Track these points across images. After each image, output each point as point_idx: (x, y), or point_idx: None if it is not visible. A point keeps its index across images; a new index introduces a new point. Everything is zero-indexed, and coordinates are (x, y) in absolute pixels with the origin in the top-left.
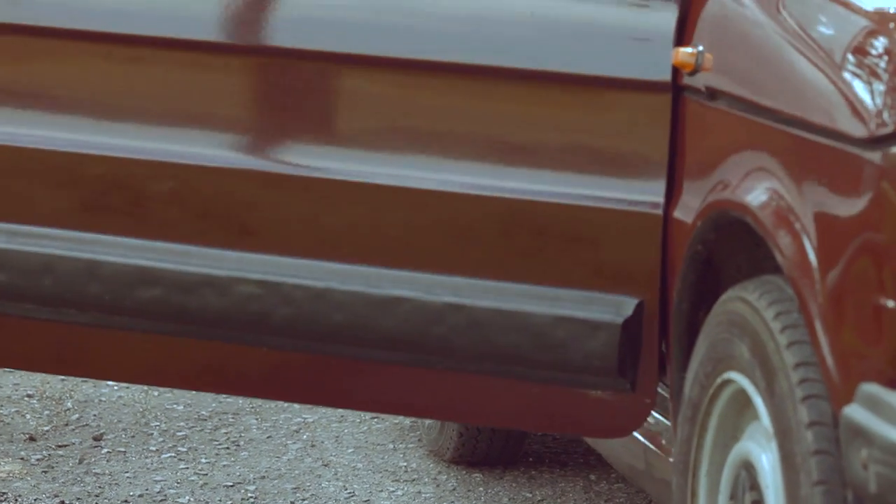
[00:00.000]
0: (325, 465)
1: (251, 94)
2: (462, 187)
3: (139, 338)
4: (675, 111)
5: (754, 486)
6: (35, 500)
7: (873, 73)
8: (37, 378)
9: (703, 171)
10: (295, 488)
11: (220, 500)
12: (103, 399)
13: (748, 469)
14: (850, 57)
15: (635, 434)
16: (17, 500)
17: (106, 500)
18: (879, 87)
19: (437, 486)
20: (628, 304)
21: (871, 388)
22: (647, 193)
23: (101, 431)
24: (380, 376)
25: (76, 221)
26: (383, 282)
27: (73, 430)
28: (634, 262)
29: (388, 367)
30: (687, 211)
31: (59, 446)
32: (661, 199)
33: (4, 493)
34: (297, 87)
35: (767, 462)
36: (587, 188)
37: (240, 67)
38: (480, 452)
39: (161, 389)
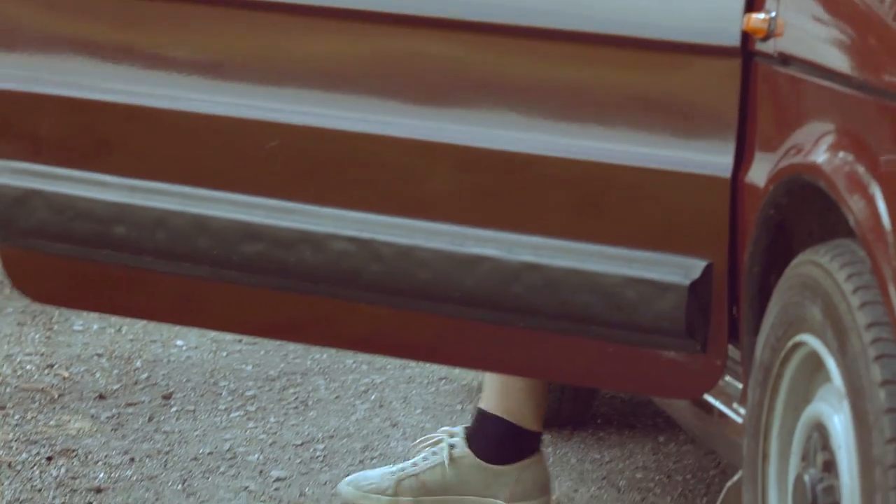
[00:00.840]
0: (394, 426)
1: (350, 57)
2: (540, 149)
3: (245, 291)
4: (745, 77)
5: (826, 447)
6: (105, 456)
7: None
8: (105, 338)
9: (775, 136)
10: (363, 447)
11: (288, 459)
12: (172, 359)
13: (820, 430)
14: None
15: (706, 396)
16: (87, 456)
17: (175, 458)
18: None
19: None
20: (697, 267)
21: None
22: (717, 157)
23: (171, 390)
24: (462, 333)
25: (188, 177)
26: (466, 240)
27: (143, 388)
28: (703, 224)
29: (470, 324)
30: (758, 175)
31: (129, 405)
32: (730, 163)
33: (75, 450)
34: (394, 53)
35: (839, 423)
36: (659, 151)
37: (340, 29)
38: (549, 414)
39: (230, 350)
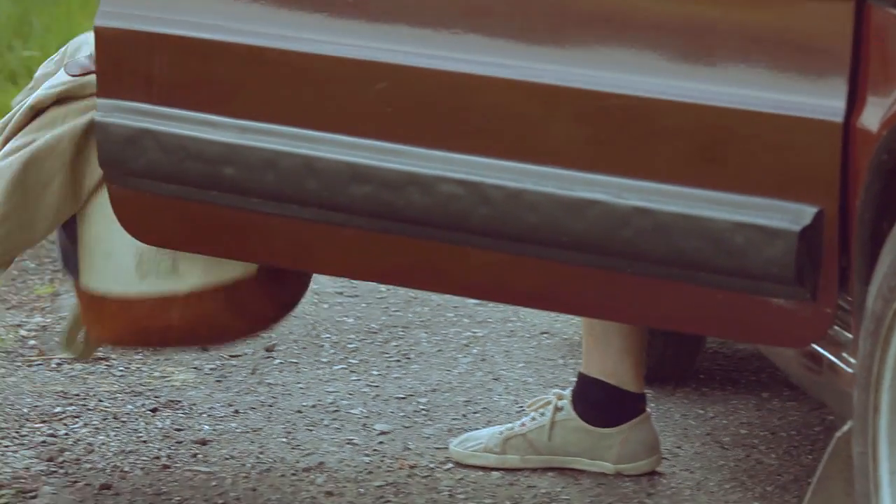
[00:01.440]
0: (496, 379)
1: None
2: (654, 92)
3: (352, 234)
4: (858, 19)
5: None
6: (209, 408)
7: None
8: None
9: (888, 80)
10: (466, 401)
11: (391, 412)
12: None
13: None
14: None
15: (815, 345)
16: (191, 408)
17: (279, 410)
18: None
19: None
20: (807, 213)
21: None
22: (829, 101)
23: (273, 343)
24: (569, 278)
25: (298, 118)
26: (575, 184)
27: (245, 341)
28: (814, 170)
29: (577, 269)
30: (871, 120)
31: (232, 356)
32: (842, 108)
33: (179, 402)
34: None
35: None
36: (771, 95)
37: None
38: (652, 369)
39: (331, 302)
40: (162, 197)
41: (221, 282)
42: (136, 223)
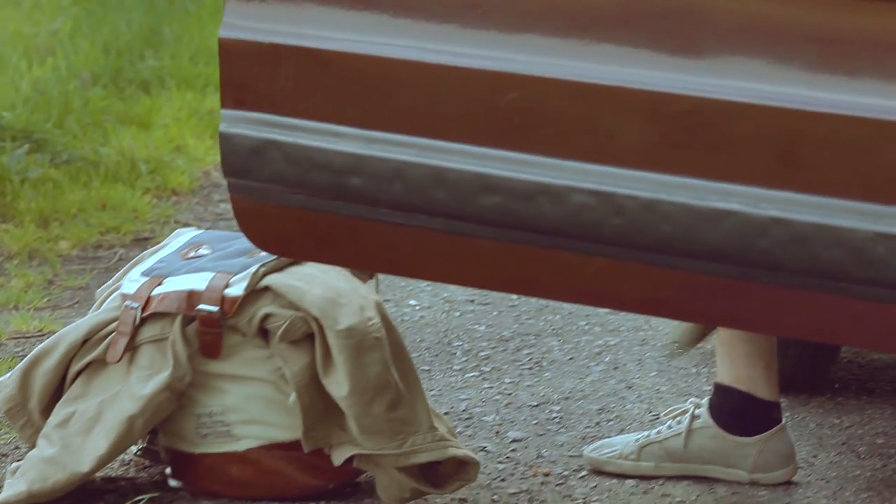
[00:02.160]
0: (629, 388)
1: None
2: (786, 101)
3: (481, 244)
4: None
5: None
6: None
7: None
8: None
9: None
10: (599, 409)
11: (524, 420)
12: (405, 318)
13: None
14: None
15: None
16: None
17: None
18: None
19: None
20: None
21: None
22: None
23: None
24: (704, 288)
25: (425, 129)
26: (710, 194)
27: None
28: None
29: (713, 279)
30: None
31: None
32: None
33: None
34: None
35: None
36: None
37: None
38: (786, 378)
39: (462, 310)
40: (286, 207)
41: (277, 440)
42: (260, 233)
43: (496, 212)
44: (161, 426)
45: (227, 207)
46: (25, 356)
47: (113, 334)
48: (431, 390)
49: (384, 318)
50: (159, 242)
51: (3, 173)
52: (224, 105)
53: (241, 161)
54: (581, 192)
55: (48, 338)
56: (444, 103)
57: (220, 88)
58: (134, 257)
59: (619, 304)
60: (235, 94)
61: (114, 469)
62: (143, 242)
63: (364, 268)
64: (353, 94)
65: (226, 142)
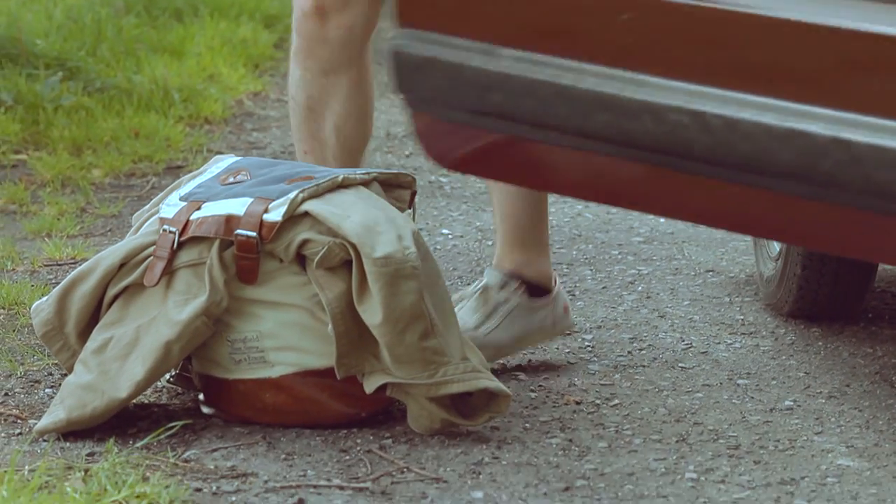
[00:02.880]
0: (661, 317)
1: None
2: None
3: (596, 160)
4: None
5: None
6: None
7: None
8: None
9: None
10: (631, 338)
11: (556, 348)
12: (438, 247)
13: None
14: None
15: None
16: None
17: None
18: None
19: (776, 339)
20: None
21: None
22: None
23: None
24: (776, 206)
25: (560, 48)
26: (788, 115)
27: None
28: None
29: (784, 197)
30: None
31: None
32: None
33: None
34: None
35: None
36: None
37: None
38: (820, 306)
39: (495, 239)
40: (464, 126)
41: (311, 367)
42: (436, 149)
43: (609, 129)
44: (195, 352)
45: (259, 136)
46: (58, 283)
47: (150, 258)
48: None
49: (421, 248)
50: (191, 171)
51: (37, 101)
52: (401, 23)
53: (424, 81)
54: (677, 111)
55: (80, 265)
56: (584, 22)
57: (398, 7)
58: (166, 186)
59: (702, 219)
60: (412, 11)
61: (147, 396)
62: (176, 171)
63: (530, 186)
64: (535, 18)
65: (402, 59)
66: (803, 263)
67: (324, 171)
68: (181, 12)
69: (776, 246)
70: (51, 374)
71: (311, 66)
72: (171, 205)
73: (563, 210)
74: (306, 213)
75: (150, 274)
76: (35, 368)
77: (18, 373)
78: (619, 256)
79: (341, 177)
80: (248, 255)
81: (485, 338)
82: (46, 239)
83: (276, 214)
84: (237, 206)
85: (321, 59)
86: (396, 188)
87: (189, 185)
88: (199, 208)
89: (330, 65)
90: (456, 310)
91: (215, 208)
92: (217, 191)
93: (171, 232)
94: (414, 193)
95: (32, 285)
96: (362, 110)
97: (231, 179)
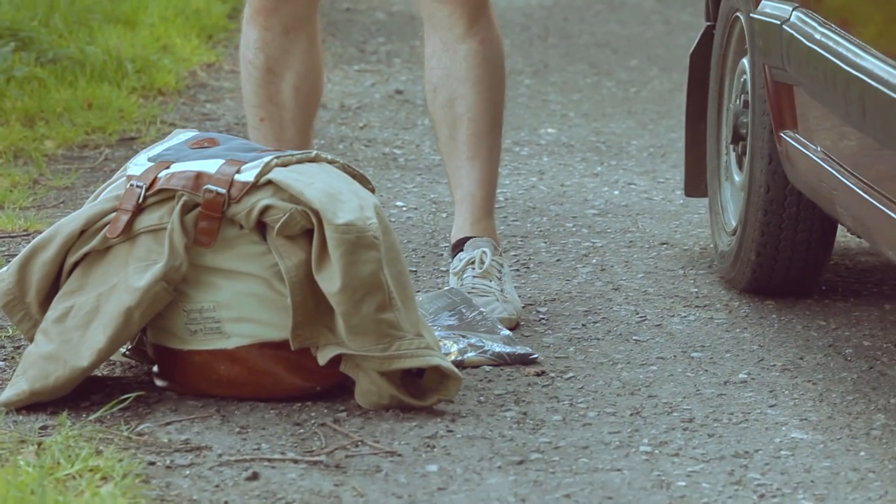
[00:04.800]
0: (616, 289)
1: None
2: None
3: None
4: None
5: None
6: None
7: None
8: None
9: None
10: (586, 311)
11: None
12: (392, 219)
13: None
14: None
15: None
16: None
17: None
18: None
19: (730, 312)
20: None
21: None
22: None
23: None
24: None
25: None
26: None
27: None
28: None
29: None
30: None
31: None
32: None
33: None
34: None
35: None
36: None
37: None
38: (776, 282)
39: (449, 211)
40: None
41: (267, 339)
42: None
43: None
44: (151, 323)
45: (213, 108)
46: (12, 255)
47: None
48: (418, 290)
49: (382, 222)
50: (144, 142)
51: None
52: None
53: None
54: None
55: (34, 238)
56: None
57: None
58: (119, 157)
59: None
60: None
61: (100, 370)
62: (129, 142)
63: None
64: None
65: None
66: (760, 239)
67: (292, 150)
68: None
69: (732, 220)
70: (3, 346)
71: (273, 24)
72: (138, 164)
73: (517, 182)
74: (269, 182)
75: (114, 226)
76: None
77: None
78: (574, 229)
79: (314, 153)
80: (211, 214)
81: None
82: None
83: (247, 175)
84: (209, 165)
85: (286, 14)
86: (359, 178)
87: (157, 148)
88: (167, 167)
89: (293, 20)
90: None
91: (186, 166)
92: (187, 153)
93: (137, 186)
94: (373, 190)
95: None
96: (318, 67)
97: (200, 144)
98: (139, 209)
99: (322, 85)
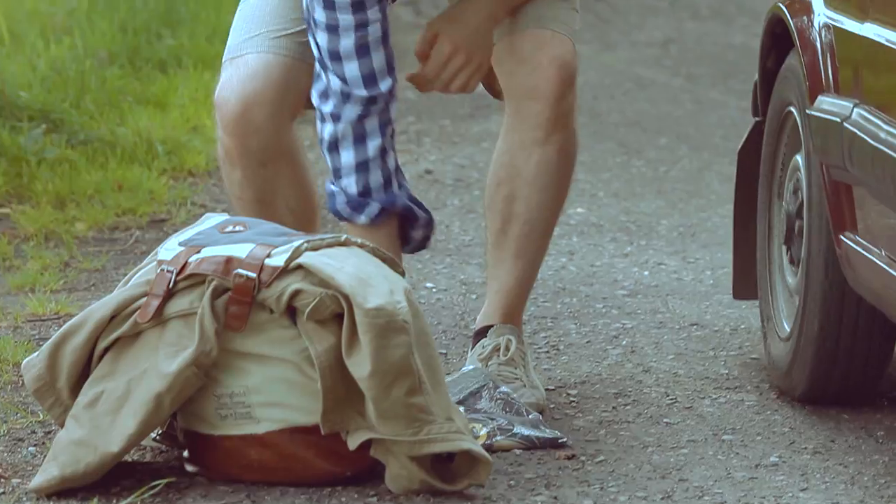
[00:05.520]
0: (646, 371)
1: None
2: None
3: None
4: None
5: None
6: None
7: None
8: None
9: None
10: (616, 393)
11: None
12: (422, 301)
13: None
14: None
15: None
16: None
17: None
18: None
19: (760, 394)
20: None
21: None
22: None
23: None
24: None
25: None
26: None
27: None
28: None
29: None
30: None
31: None
32: None
33: None
34: None
35: None
36: None
37: None
38: (833, 392)
39: (479, 293)
40: None
41: (297, 424)
42: None
43: None
44: (181, 408)
45: None
46: (43, 339)
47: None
48: (448, 373)
49: (412, 305)
50: (174, 224)
51: (20, 154)
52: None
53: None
54: None
55: (65, 321)
56: None
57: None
58: (149, 239)
59: None
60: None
61: (130, 455)
62: (159, 224)
63: None
64: None
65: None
66: (816, 348)
67: (322, 235)
68: (165, 63)
69: (786, 325)
70: (34, 432)
71: (248, 162)
72: (169, 249)
73: (547, 263)
74: (300, 266)
75: (145, 311)
76: (18, 426)
77: (1, 431)
78: (604, 310)
79: (344, 237)
80: (242, 299)
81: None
82: (30, 294)
83: (278, 260)
84: (239, 250)
85: (256, 151)
86: (389, 263)
87: (187, 232)
88: (198, 252)
89: (265, 154)
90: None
91: (216, 251)
92: (217, 237)
93: (168, 271)
94: (402, 274)
95: (16, 341)
96: (309, 183)
97: (230, 228)
98: (170, 294)
99: (316, 198)
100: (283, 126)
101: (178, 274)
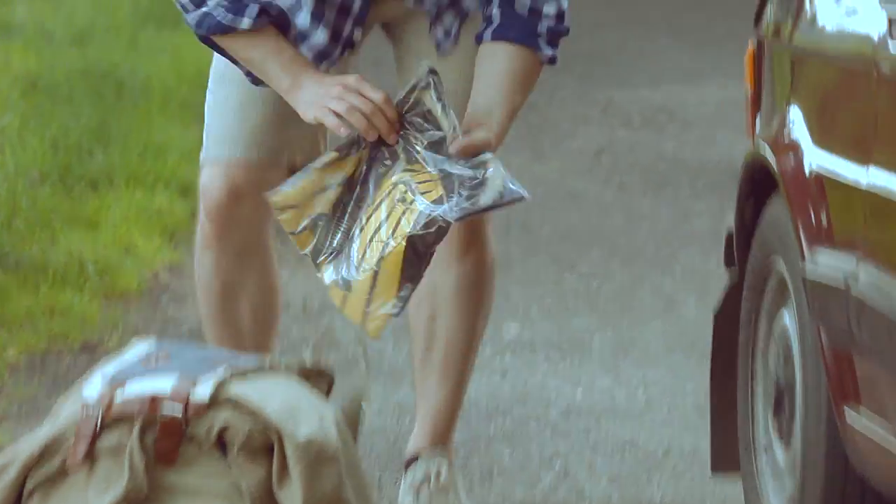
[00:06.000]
0: (580, 496)
1: None
2: None
3: None
4: None
5: None
6: None
7: None
8: None
9: None
10: None
11: None
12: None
13: None
14: None
15: None
16: None
17: None
18: None
19: None
20: None
21: None
22: None
23: None
24: None
25: None
26: None
27: None
28: None
29: None
30: None
31: None
32: None
33: None
34: None
35: None
36: None
37: None
38: None
39: (413, 415)
40: None
41: None
42: None
43: None
44: None
45: (175, 312)
46: None
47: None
48: (381, 501)
49: (342, 433)
50: (107, 350)
51: None
52: None
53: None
54: None
55: None
56: None
57: None
58: (81, 366)
59: None
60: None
61: None
62: (92, 350)
63: None
64: None
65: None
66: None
67: (247, 357)
68: (96, 181)
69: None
70: None
71: (226, 247)
72: (93, 385)
73: (479, 381)
74: (228, 397)
75: (74, 453)
76: None
77: None
78: (537, 431)
79: (268, 362)
80: (170, 436)
81: None
82: None
83: (203, 391)
84: (163, 384)
85: (235, 241)
86: (316, 377)
87: (111, 366)
88: (122, 386)
89: (244, 245)
90: None
91: (140, 386)
92: (140, 371)
93: (93, 411)
94: (332, 382)
95: None
96: (275, 287)
97: (153, 363)
98: (96, 435)
99: (279, 304)
100: (265, 220)
101: (104, 413)
